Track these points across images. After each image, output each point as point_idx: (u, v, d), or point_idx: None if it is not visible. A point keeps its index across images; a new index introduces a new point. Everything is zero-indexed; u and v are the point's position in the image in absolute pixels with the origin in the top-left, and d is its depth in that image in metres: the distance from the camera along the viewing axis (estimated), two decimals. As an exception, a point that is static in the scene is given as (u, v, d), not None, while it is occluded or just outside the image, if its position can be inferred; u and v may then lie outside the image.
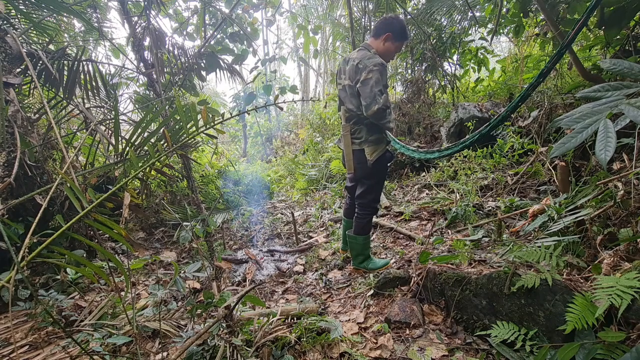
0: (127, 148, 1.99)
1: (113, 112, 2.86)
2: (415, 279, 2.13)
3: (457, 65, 5.97)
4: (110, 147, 2.89)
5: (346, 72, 2.24)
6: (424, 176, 4.64)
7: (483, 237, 2.48)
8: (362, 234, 2.43)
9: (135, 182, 3.52)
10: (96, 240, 2.64)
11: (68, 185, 1.24)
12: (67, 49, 3.02)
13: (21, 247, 1.09)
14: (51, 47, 3.14)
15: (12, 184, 1.70)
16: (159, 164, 1.66)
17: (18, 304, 1.89)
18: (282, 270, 2.91)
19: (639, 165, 1.86)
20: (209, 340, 1.55)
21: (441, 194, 3.65)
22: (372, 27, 2.37)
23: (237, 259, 3.14)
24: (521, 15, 3.48)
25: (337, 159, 5.85)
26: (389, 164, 2.40)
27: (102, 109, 3.45)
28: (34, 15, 2.86)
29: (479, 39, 5.58)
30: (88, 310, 1.96)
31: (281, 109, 1.92)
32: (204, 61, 3.77)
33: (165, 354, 1.64)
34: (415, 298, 2.01)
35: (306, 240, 3.48)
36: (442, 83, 6.12)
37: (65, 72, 2.90)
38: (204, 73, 3.86)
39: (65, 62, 2.89)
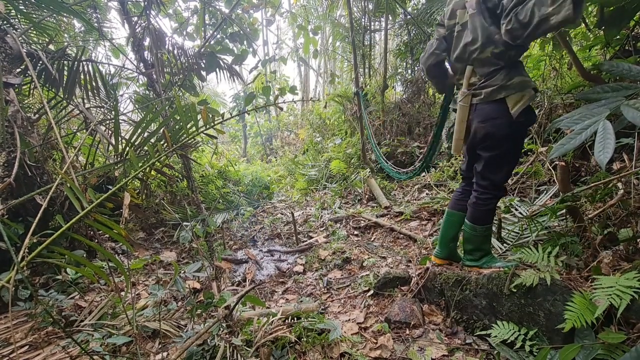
0: (127, 148, 1.99)
1: (113, 112, 2.86)
2: (415, 279, 2.13)
3: (457, 65, 5.96)
4: (110, 147, 2.89)
5: (469, 2, 1.64)
6: (424, 176, 4.64)
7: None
8: (483, 223, 1.80)
9: (135, 182, 3.52)
10: (96, 240, 2.64)
11: (68, 185, 1.24)
12: (67, 49, 3.02)
13: (21, 247, 1.09)
14: (51, 47, 3.14)
15: (12, 184, 1.70)
16: (159, 164, 1.67)
17: (18, 304, 1.89)
18: (282, 270, 2.91)
19: (639, 165, 1.86)
20: (209, 340, 1.55)
21: (441, 194, 3.65)
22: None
23: (237, 259, 3.14)
24: (521, 15, 3.47)
25: (337, 159, 5.85)
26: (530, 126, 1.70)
27: (102, 109, 3.45)
28: (34, 15, 2.86)
29: (479, 39, 5.57)
30: (88, 310, 1.96)
31: (281, 109, 1.92)
32: (204, 61, 3.77)
33: (165, 354, 1.64)
34: (415, 298, 2.01)
35: (306, 240, 3.48)
36: (442, 83, 6.11)
37: (65, 72, 2.90)
38: (203, 73, 3.86)
39: (65, 62, 2.89)
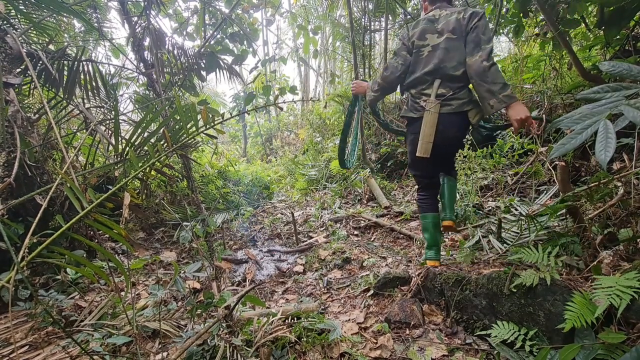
0: (127, 148, 1.99)
1: (113, 112, 2.86)
2: (415, 279, 2.13)
3: (457, 65, 5.96)
4: (110, 147, 2.89)
5: (442, 29, 1.95)
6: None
7: (482, 237, 2.48)
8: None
9: (135, 182, 3.52)
10: (96, 240, 2.64)
11: (68, 185, 1.24)
12: (67, 49, 3.02)
13: (21, 247, 1.09)
14: (51, 47, 3.14)
15: (12, 184, 1.70)
16: (159, 164, 1.67)
17: (18, 304, 1.89)
18: (282, 270, 2.91)
19: (639, 165, 1.86)
20: (209, 340, 1.55)
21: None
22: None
23: (237, 259, 3.14)
24: (521, 15, 3.48)
25: (337, 159, 5.84)
26: None
27: (102, 109, 3.45)
28: (34, 15, 2.86)
29: (478, 39, 5.57)
30: (88, 310, 1.96)
31: (281, 109, 1.92)
32: (204, 61, 3.77)
33: (165, 354, 1.64)
34: (415, 298, 2.01)
35: (306, 240, 3.48)
36: (442, 83, 6.11)
37: (65, 72, 2.90)
38: (203, 73, 3.86)
39: (65, 62, 2.89)
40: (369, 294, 2.20)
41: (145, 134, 1.99)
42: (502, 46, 10.29)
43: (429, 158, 1.97)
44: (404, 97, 2.27)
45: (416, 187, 2.31)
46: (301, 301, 2.24)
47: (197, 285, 2.51)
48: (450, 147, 2.11)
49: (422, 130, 1.98)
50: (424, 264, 2.12)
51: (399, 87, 2.23)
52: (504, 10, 3.93)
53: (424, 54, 2.00)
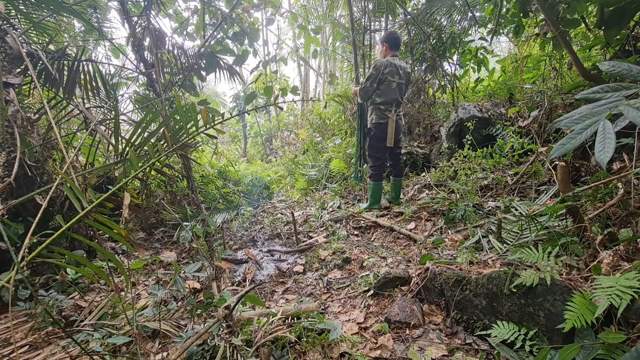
0: (127, 148, 1.99)
1: (113, 112, 2.86)
2: (415, 279, 2.13)
3: (457, 65, 5.97)
4: (110, 147, 2.89)
5: (401, 74, 3.58)
6: (424, 176, 4.64)
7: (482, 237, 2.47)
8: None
9: (135, 182, 3.52)
10: (96, 240, 2.64)
11: (68, 185, 1.24)
12: (67, 49, 3.02)
13: (21, 247, 1.09)
14: (51, 47, 3.14)
15: (12, 184, 1.70)
16: (159, 164, 1.67)
17: (18, 304, 1.89)
18: (282, 270, 2.91)
19: (639, 165, 1.86)
20: (209, 340, 1.55)
21: (441, 194, 3.65)
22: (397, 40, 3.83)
23: (237, 259, 3.14)
24: (521, 15, 3.48)
25: (337, 159, 5.85)
26: None
27: (102, 109, 3.45)
28: (34, 15, 2.86)
29: (478, 39, 5.59)
30: (88, 310, 1.96)
31: (281, 109, 1.93)
32: (204, 61, 3.77)
33: (165, 354, 1.64)
34: (415, 298, 2.01)
35: (306, 240, 3.48)
36: (442, 83, 6.12)
37: (65, 72, 2.90)
38: (203, 73, 3.86)
39: (65, 62, 2.89)
40: (369, 294, 2.20)
41: (145, 134, 1.99)
42: (502, 46, 10.29)
43: (387, 146, 3.65)
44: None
45: (372, 166, 3.84)
46: (301, 301, 2.24)
47: (197, 285, 2.50)
48: (399, 137, 3.80)
49: (388, 129, 3.59)
50: (423, 263, 2.12)
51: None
52: (504, 10, 3.93)
53: (392, 86, 3.56)
